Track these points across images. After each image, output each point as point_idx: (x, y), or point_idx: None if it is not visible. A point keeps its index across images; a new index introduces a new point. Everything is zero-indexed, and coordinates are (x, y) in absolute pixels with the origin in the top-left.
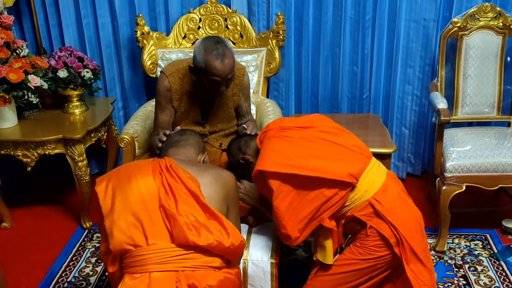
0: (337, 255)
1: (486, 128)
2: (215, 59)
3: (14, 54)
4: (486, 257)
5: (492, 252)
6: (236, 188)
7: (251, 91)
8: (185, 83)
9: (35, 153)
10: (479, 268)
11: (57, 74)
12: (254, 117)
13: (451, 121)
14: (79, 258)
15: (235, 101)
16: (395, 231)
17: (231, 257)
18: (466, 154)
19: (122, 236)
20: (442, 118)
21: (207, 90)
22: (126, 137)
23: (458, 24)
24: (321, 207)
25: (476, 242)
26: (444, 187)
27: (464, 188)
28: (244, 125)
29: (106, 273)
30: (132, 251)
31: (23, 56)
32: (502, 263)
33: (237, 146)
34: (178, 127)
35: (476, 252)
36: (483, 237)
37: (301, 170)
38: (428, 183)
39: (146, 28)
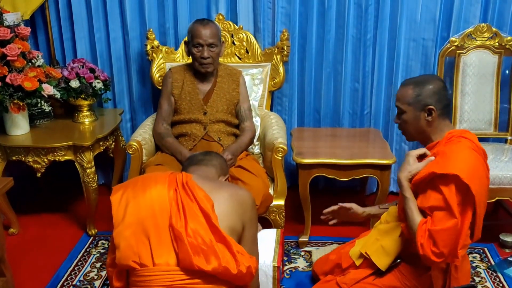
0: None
1: (483, 144)
2: (199, 24)
3: (30, 63)
4: (483, 269)
5: (489, 264)
6: (253, 208)
7: (256, 103)
8: (187, 74)
9: (46, 159)
10: (477, 279)
11: (70, 84)
12: (258, 130)
13: None
14: (84, 263)
15: (234, 97)
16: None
17: (239, 283)
18: None
19: (129, 252)
20: None
21: (196, 59)
22: (134, 144)
23: (456, 43)
24: (462, 248)
25: (474, 255)
26: None
27: None
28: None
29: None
30: (137, 270)
31: (38, 66)
32: (499, 274)
33: (431, 92)
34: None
35: (474, 265)
36: (481, 250)
37: (480, 203)
38: None
39: (156, 42)
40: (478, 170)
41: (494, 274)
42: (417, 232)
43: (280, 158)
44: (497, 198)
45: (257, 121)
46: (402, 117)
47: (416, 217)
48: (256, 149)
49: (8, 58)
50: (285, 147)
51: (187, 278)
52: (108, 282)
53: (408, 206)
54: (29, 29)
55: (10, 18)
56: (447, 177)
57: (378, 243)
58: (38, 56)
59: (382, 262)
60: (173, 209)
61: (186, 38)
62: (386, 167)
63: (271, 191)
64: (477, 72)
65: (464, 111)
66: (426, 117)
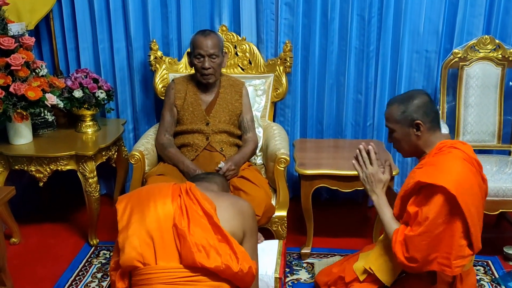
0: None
1: (487, 156)
2: (200, 35)
3: (34, 73)
4: (487, 282)
5: (493, 277)
6: (253, 219)
7: (259, 114)
8: (189, 85)
9: (48, 169)
10: None
11: (73, 94)
12: (261, 141)
13: None
14: (85, 273)
15: (236, 107)
16: None
17: (240, 283)
18: None
19: (133, 253)
20: None
21: (198, 70)
22: (137, 153)
23: (459, 55)
24: (455, 259)
25: (478, 267)
26: None
27: None
28: (219, 165)
29: None
30: (140, 269)
31: (42, 76)
32: (503, 287)
33: (416, 106)
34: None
35: (478, 277)
36: (485, 263)
37: (469, 213)
38: None
39: (159, 53)
40: (468, 180)
41: (498, 287)
42: (392, 239)
43: (283, 168)
44: (500, 210)
45: (259, 131)
46: (393, 136)
47: (393, 225)
48: (258, 160)
49: (12, 67)
50: (288, 158)
51: (190, 275)
52: None
53: (386, 217)
54: (33, 39)
55: (14, 28)
56: (433, 187)
57: (382, 259)
58: (42, 66)
59: (387, 278)
60: (177, 212)
61: (189, 49)
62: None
63: (273, 202)
64: (480, 84)
65: (468, 122)
66: (415, 132)
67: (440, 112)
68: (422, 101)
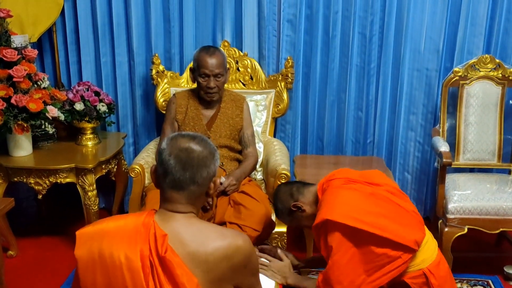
0: None
1: (487, 175)
2: (205, 54)
3: (35, 85)
4: None
5: None
6: (251, 258)
7: (259, 129)
8: (191, 100)
9: (47, 181)
10: None
11: (74, 106)
12: (261, 156)
13: (453, 166)
14: None
15: (237, 122)
16: None
17: None
18: (467, 197)
19: None
20: (444, 160)
21: (202, 89)
22: (137, 167)
23: (459, 74)
24: (382, 267)
25: (479, 287)
26: (446, 229)
27: (466, 230)
28: (220, 180)
29: None
30: None
31: (43, 88)
32: None
33: (289, 192)
34: None
35: None
36: (486, 283)
37: (372, 228)
38: (431, 229)
39: (161, 67)
40: (352, 200)
41: None
42: (316, 285)
43: None
44: (501, 229)
45: (260, 147)
46: (298, 225)
47: (315, 282)
48: (258, 175)
49: (15, 79)
50: (288, 174)
51: None
52: None
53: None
54: (36, 51)
55: (18, 40)
56: (324, 224)
57: None
58: (44, 78)
59: None
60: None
61: (191, 64)
62: None
63: (273, 218)
64: (480, 103)
65: (468, 141)
66: (301, 212)
67: (441, 130)
68: (282, 192)
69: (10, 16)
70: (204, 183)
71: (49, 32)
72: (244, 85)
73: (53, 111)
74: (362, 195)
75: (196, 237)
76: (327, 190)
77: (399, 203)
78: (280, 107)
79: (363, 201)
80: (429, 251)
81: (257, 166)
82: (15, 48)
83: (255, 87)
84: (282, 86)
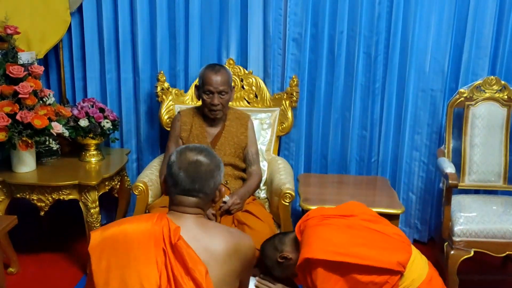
0: None
1: (493, 196)
2: (210, 71)
3: (41, 102)
4: None
5: None
6: (255, 256)
7: (264, 148)
8: (195, 118)
9: (50, 198)
10: None
11: (79, 123)
12: (265, 174)
13: (458, 187)
14: None
15: (242, 140)
16: None
17: None
18: (473, 220)
19: None
20: (450, 182)
21: (206, 106)
22: (141, 185)
23: (465, 95)
24: None
25: None
26: (452, 252)
27: (472, 253)
28: (224, 199)
29: None
30: None
31: (49, 104)
32: None
33: (272, 246)
34: None
35: None
36: None
37: (351, 258)
38: (435, 250)
39: (166, 84)
40: (327, 236)
41: None
42: None
43: (288, 203)
44: (507, 252)
45: (264, 165)
46: (288, 279)
47: None
48: (262, 194)
49: (20, 95)
50: (293, 193)
51: None
52: None
53: None
54: (42, 68)
55: (24, 57)
56: (305, 264)
57: None
58: (49, 95)
59: None
60: (163, 279)
61: (196, 82)
62: (394, 217)
63: None
64: (486, 124)
65: (473, 162)
66: (289, 261)
67: (446, 150)
68: (267, 247)
69: (18, 33)
70: (211, 192)
71: (55, 48)
72: (248, 103)
73: (57, 128)
74: (339, 229)
75: (207, 234)
76: (304, 231)
77: (377, 229)
78: (284, 125)
79: (339, 234)
80: (417, 270)
81: (261, 185)
82: (22, 65)
83: (259, 105)
84: (287, 105)
